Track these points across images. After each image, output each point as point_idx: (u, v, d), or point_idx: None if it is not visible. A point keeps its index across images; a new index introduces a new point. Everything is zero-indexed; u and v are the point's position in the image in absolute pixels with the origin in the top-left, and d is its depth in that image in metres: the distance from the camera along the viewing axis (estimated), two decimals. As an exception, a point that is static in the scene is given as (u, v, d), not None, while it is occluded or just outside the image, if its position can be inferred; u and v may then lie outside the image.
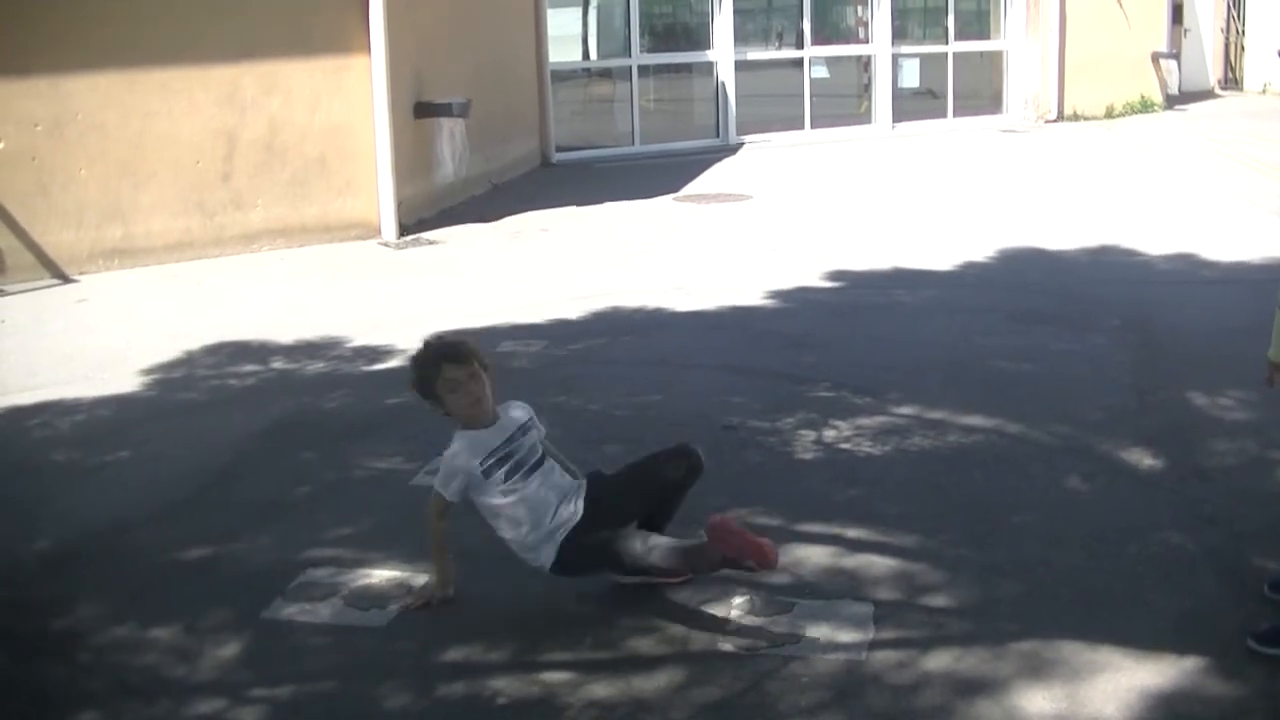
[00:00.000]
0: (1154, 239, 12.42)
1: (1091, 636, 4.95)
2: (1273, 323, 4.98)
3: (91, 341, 9.53)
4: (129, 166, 11.85)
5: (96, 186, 11.70)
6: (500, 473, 5.24)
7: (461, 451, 5.28)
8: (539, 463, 5.35)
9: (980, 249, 12.21)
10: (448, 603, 5.35)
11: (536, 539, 5.26)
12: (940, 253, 12.06)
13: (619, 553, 5.17)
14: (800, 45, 21.22)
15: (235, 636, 5.15)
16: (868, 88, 21.93)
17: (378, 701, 4.71)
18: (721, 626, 5.13)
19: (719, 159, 18.77)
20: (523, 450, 5.33)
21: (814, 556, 5.74)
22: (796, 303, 10.33)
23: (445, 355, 5.35)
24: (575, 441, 7.18)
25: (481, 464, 5.22)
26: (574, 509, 5.28)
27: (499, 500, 5.26)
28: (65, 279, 11.45)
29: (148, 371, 8.76)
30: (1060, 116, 22.73)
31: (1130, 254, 12.01)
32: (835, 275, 11.32)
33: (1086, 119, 22.78)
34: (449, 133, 14.48)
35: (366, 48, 12.77)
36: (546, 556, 5.26)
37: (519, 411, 5.49)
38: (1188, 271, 11.37)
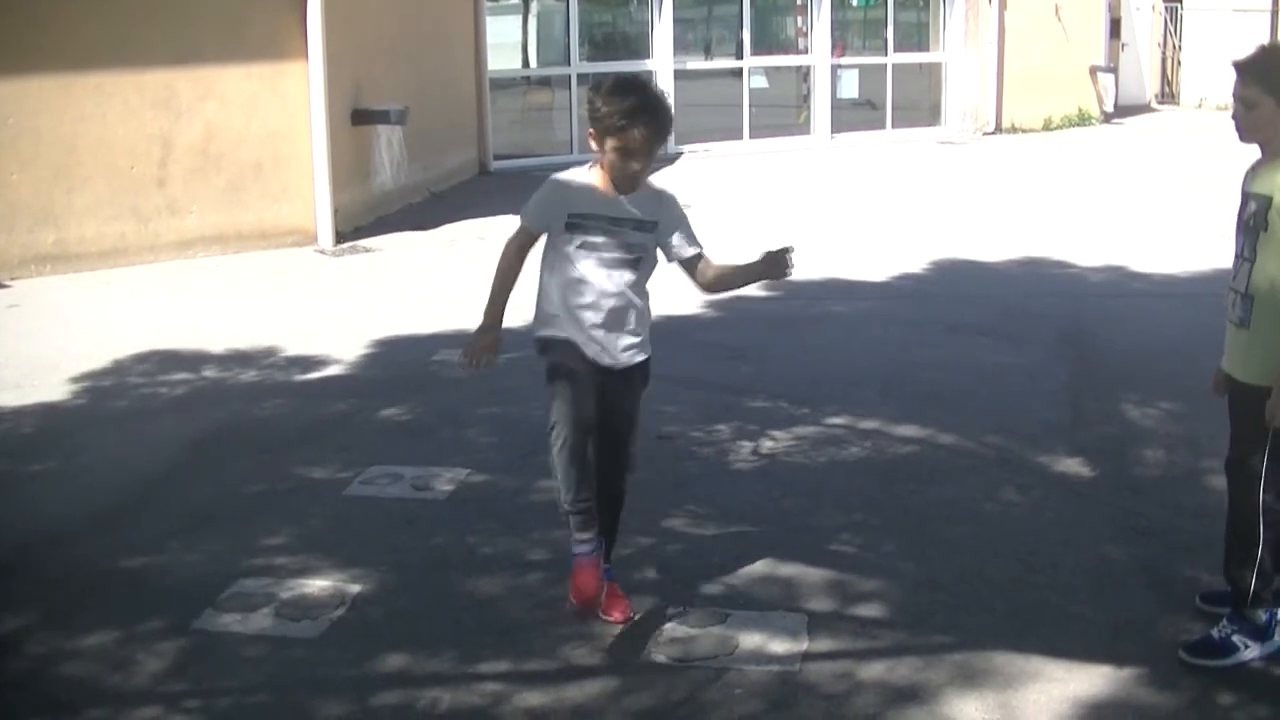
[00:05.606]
0: (1090, 252, 12.53)
1: (1024, 647, 4.98)
2: (1223, 335, 4.98)
3: (22, 348, 9.41)
4: (62, 170, 11.71)
5: (29, 190, 11.56)
6: (580, 238, 5.18)
7: (562, 186, 5.21)
8: (631, 263, 5.20)
9: (918, 261, 12.28)
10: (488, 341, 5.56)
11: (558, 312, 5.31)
12: (878, 264, 12.11)
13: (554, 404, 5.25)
14: (740, 55, 21.28)
15: (167, 647, 5.09)
16: (807, 98, 22.01)
17: (311, 712, 4.66)
18: (656, 637, 5.12)
19: (657, 168, 18.61)
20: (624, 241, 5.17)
21: (748, 567, 5.74)
22: (734, 313, 10.33)
23: (645, 117, 5.20)
24: (513, 452, 7.19)
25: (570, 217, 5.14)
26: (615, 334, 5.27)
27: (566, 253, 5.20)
28: (-4, 284, 11.33)
29: (79, 379, 8.66)
30: (998, 129, 22.90)
31: (1066, 267, 12.11)
32: (773, 286, 11.31)
33: (1024, 132, 22.96)
34: (387, 140, 14.42)
35: (304, 53, 12.69)
36: (545, 329, 5.37)
37: (669, 209, 5.35)
38: (1123, 284, 11.47)
